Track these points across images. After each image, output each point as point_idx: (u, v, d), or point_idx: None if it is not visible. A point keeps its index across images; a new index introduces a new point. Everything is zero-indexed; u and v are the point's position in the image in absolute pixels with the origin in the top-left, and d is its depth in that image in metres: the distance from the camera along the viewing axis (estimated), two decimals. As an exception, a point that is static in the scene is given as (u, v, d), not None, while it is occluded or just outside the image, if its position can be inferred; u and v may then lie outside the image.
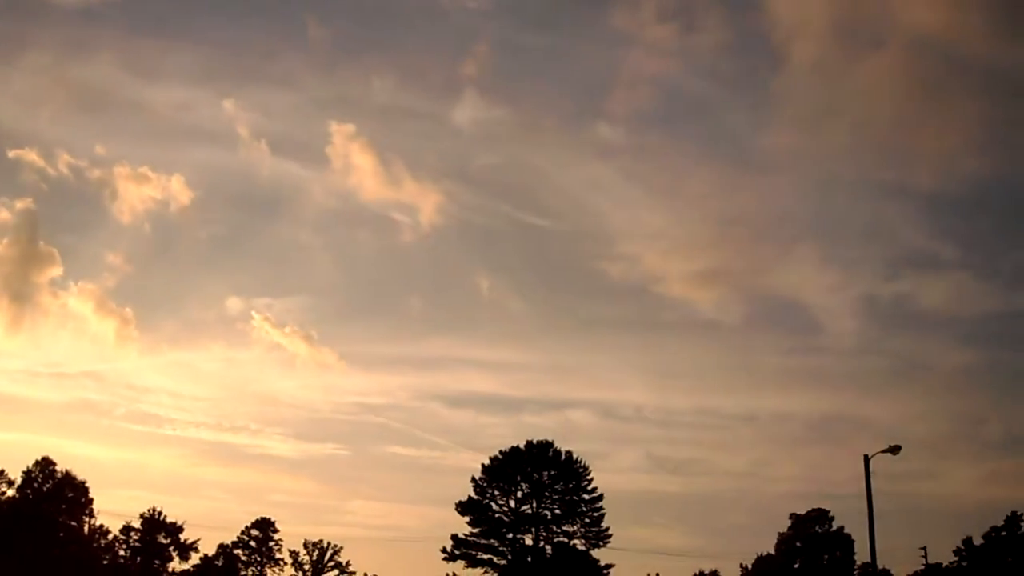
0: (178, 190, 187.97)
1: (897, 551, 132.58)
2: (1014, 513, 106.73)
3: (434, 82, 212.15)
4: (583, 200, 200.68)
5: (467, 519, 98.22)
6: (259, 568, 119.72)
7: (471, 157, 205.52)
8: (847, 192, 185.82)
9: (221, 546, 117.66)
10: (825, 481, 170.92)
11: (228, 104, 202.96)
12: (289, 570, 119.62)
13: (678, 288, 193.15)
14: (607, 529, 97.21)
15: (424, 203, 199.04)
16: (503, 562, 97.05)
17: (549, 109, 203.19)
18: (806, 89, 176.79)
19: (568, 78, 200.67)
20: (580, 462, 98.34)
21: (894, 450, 52.68)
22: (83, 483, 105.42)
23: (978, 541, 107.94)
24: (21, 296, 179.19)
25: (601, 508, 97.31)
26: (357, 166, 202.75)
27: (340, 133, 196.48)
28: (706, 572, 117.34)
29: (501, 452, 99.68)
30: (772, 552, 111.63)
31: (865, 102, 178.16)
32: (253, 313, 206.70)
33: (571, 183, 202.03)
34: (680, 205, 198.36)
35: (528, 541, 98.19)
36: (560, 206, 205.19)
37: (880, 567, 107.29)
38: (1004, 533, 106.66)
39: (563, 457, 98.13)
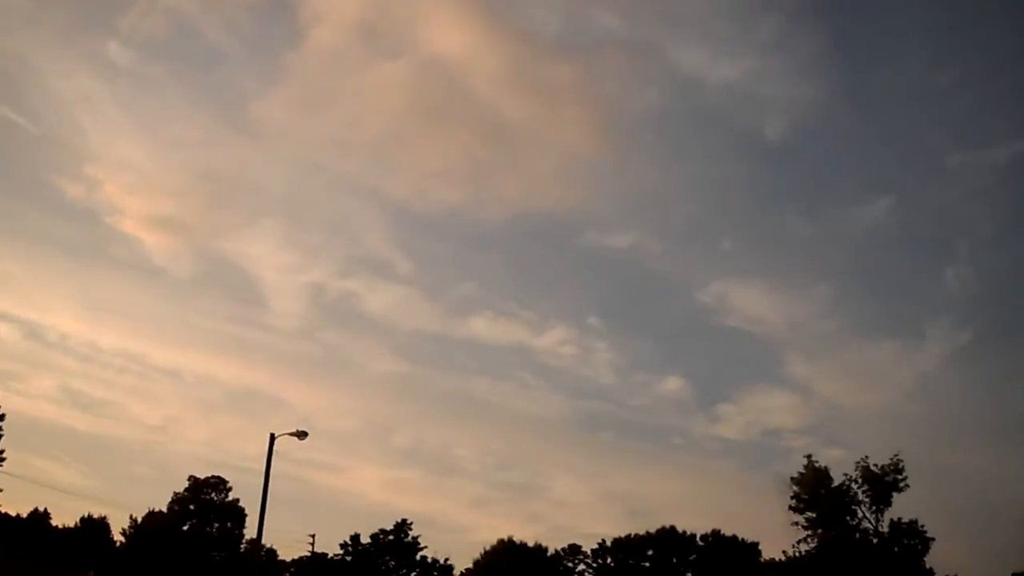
0: None
1: (287, 534, 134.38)
2: (404, 520, 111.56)
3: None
4: (68, 110, 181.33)
5: None
6: None
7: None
8: (326, 183, 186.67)
9: None
10: (233, 452, 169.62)
11: None
12: None
13: (133, 227, 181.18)
14: (1, 452, 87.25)
15: None
16: None
17: (61, 6, 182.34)
18: (316, 74, 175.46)
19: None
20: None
21: (301, 435, 52.41)
22: None
23: (366, 540, 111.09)
24: None
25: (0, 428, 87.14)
26: None
27: None
28: (95, 516, 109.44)
29: None
30: (164, 510, 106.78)
31: (366, 104, 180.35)
32: None
33: (63, 89, 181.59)
34: (161, 145, 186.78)
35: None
36: (43, 110, 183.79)
37: (269, 545, 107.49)
38: (391, 537, 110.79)
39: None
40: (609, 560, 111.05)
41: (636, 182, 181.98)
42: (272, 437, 51.93)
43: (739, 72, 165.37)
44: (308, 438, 52.82)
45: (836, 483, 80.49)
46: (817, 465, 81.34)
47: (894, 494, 79.62)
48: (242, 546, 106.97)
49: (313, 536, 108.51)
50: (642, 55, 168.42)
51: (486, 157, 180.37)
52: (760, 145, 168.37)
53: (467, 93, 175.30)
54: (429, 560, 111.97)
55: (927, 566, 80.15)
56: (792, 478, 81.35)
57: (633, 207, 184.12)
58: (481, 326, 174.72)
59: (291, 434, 51.86)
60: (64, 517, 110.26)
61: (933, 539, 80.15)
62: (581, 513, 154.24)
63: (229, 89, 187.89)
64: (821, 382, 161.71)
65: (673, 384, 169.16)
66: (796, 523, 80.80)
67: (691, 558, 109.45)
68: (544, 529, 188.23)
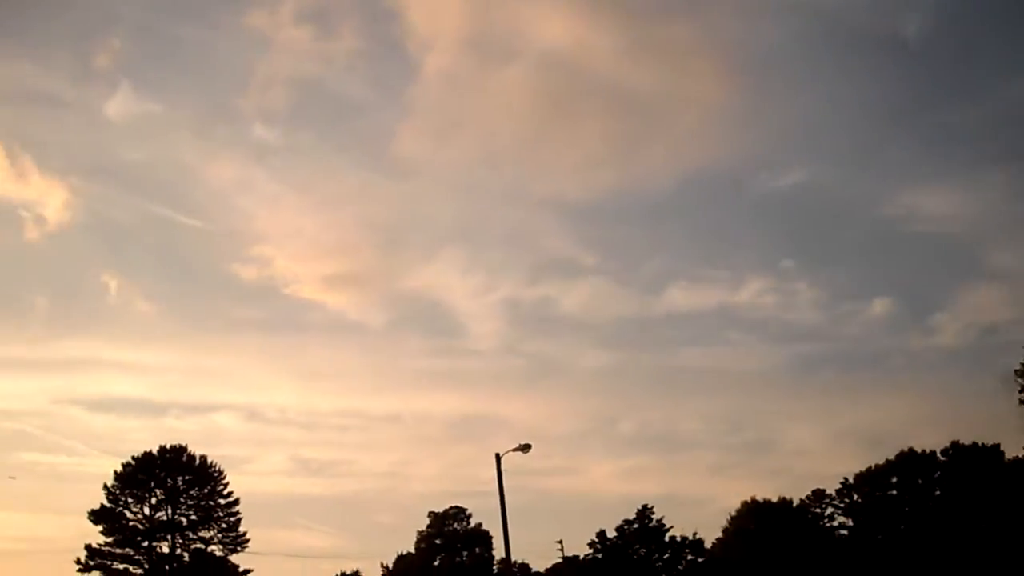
0: None
1: (536, 545, 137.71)
2: (645, 506, 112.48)
3: (67, 69, 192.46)
4: (228, 199, 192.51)
5: (101, 528, 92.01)
6: None
7: (112, 151, 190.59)
8: (486, 199, 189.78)
9: None
10: (465, 479, 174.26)
11: None
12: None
13: (311, 291, 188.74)
14: (244, 533, 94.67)
15: (52, 199, 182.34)
16: (140, 571, 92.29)
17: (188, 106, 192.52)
18: (439, 99, 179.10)
19: (209, 72, 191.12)
20: (214, 466, 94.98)
21: (524, 448, 53.74)
22: None
23: (612, 534, 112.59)
24: None
25: (238, 512, 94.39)
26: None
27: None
28: (348, 572, 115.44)
29: (134, 458, 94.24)
30: (412, 551, 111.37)
31: (495, 114, 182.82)
32: None
33: (218, 180, 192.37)
34: (317, 207, 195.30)
35: (165, 549, 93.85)
36: (207, 205, 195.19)
37: (520, 561, 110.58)
38: (636, 525, 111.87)
39: (197, 462, 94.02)
40: (856, 497, 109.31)
41: (787, 117, 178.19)
42: (498, 457, 53.83)
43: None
44: (533, 449, 54.07)
45: (1066, 364, 77.74)
46: (1040, 351, 78.75)
47: None
48: (495, 567, 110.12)
49: (561, 542, 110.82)
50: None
51: (626, 132, 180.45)
52: (902, 47, 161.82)
53: (588, 77, 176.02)
54: (678, 539, 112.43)
55: None
56: (1015, 370, 78.96)
57: (791, 142, 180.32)
58: (678, 297, 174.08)
59: (515, 449, 53.60)
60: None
61: None
62: (818, 457, 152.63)
63: (361, 136, 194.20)
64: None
65: (880, 306, 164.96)
66: (1031, 416, 78.51)
67: (936, 476, 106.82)
68: (786, 482, 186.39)
